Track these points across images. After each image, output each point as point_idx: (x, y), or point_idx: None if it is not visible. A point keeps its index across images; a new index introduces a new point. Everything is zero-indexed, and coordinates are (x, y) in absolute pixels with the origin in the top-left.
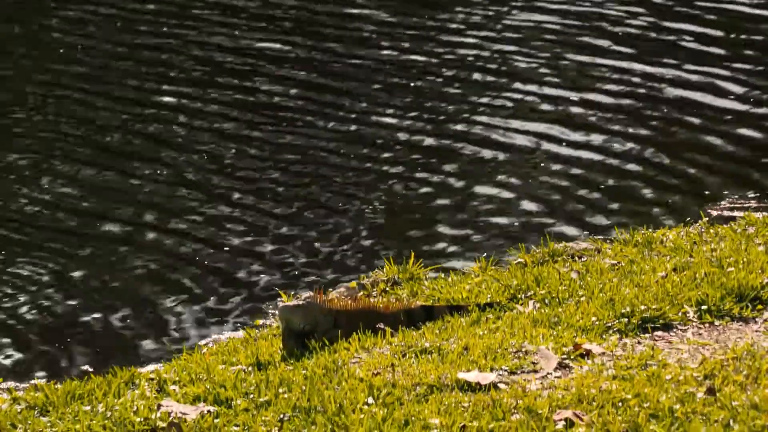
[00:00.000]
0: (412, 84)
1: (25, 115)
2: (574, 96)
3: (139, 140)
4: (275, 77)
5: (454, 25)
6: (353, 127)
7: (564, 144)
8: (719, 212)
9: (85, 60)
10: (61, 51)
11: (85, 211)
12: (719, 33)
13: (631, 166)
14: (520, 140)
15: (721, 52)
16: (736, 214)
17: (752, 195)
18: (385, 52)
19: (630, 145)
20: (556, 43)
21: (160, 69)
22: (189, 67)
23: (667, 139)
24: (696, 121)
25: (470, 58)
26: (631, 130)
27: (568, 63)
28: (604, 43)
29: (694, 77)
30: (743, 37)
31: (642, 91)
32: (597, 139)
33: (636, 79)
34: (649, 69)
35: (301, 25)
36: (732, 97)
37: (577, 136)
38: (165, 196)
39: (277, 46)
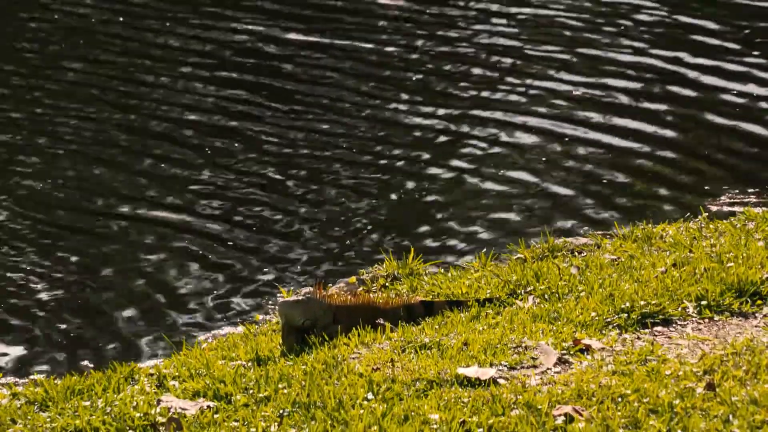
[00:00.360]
0: (425, 76)
1: (44, 109)
2: (582, 90)
3: (152, 132)
4: (288, 70)
5: (469, 17)
6: (363, 120)
7: (568, 138)
8: (719, 207)
9: (106, 53)
10: (83, 43)
11: (79, 206)
12: (732, 27)
13: (633, 161)
14: (529, 134)
15: (735, 46)
16: (735, 209)
17: (752, 190)
18: (401, 43)
19: (632, 139)
20: (570, 36)
21: (177, 60)
22: (205, 59)
23: (672, 133)
24: (703, 114)
25: (485, 50)
26: (634, 123)
27: (581, 56)
28: (617, 35)
29: (705, 71)
30: (754, 27)
31: (651, 84)
32: (601, 132)
33: (647, 74)
34: (661, 63)
35: (317, 16)
36: (739, 91)
37: (582, 130)
38: (165, 192)
39: (295, 39)
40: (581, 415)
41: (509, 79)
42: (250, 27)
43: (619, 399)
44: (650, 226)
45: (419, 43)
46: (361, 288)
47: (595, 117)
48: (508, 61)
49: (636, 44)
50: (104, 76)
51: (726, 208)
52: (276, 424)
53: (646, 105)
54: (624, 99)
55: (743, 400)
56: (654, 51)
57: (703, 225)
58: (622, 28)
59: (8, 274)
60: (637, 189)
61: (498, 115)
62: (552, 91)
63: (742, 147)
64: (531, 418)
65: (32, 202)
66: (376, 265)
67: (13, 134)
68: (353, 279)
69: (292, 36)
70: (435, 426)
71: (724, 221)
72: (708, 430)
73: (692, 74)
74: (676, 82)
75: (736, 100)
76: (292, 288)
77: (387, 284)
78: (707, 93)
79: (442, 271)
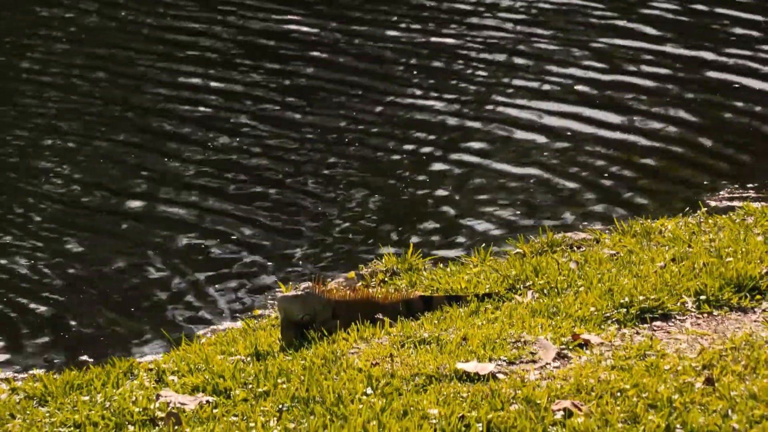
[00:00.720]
0: (441, 66)
1: (64, 97)
2: (595, 80)
3: (169, 122)
4: (307, 59)
5: (485, 8)
6: (377, 111)
7: (571, 132)
8: (718, 202)
9: (124, 43)
10: (100, 34)
11: (81, 202)
12: (755, 16)
13: (633, 156)
14: (533, 128)
15: (753, 34)
16: (734, 204)
17: (751, 185)
18: (416, 34)
19: (633, 134)
20: (587, 26)
21: (195, 52)
22: (224, 49)
23: (671, 129)
24: (703, 109)
25: (501, 41)
26: (635, 119)
27: (599, 46)
28: (635, 25)
29: (711, 65)
30: None
31: (651, 78)
32: (602, 127)
33: (651, 68)
34: (675, 51)
35: (334, 7)
36: (743, 85)
37: (582, 125)
38: (163, 188)
39: (310, 28)
40: (580, 409)
41: (526, 68)
42: (261, 21)
43: (618, 394)
44: (649, 221)
45: (441, 31)
46: (360, 283)
47: (597, 113)
48: (524, 50)
49: (660, 33)
50: (114, 72)
51: (725, 203)
52: (275, 418)
53: (648, 100)
54: (627, 95)
55: (742, 395)
56: (679, 39)
57: (702, 220)
58: (648, 17)
59: (9, 269)
60: (636, 184)
61: (516, 102)
62: (571, 80)
63: (742, 141)
64: (530, 412)
65: (30, 197)
66: (375, 261)
67: (32, 130)
68: (352, 274)
69: (300, 27)
70: (434, 421)
71: (723, 216)
72: (707, 425)
73: (695, 69)
74: (679, 75)
75: (737, 94)
76: (291, 283)
77: (386, 279)
78: (709, 88)
79: (441, 266)
